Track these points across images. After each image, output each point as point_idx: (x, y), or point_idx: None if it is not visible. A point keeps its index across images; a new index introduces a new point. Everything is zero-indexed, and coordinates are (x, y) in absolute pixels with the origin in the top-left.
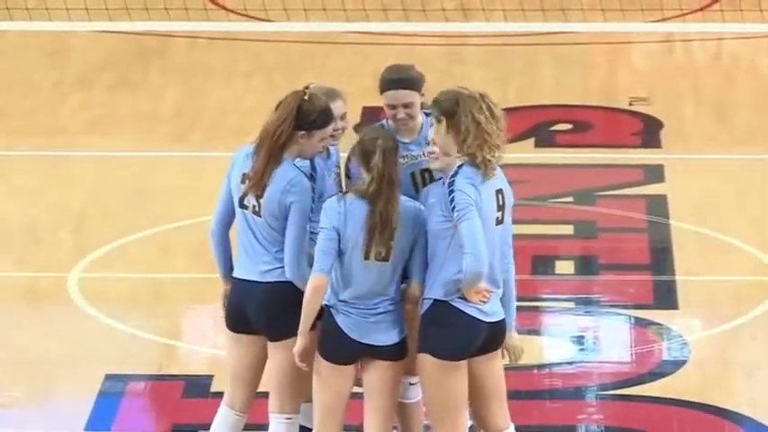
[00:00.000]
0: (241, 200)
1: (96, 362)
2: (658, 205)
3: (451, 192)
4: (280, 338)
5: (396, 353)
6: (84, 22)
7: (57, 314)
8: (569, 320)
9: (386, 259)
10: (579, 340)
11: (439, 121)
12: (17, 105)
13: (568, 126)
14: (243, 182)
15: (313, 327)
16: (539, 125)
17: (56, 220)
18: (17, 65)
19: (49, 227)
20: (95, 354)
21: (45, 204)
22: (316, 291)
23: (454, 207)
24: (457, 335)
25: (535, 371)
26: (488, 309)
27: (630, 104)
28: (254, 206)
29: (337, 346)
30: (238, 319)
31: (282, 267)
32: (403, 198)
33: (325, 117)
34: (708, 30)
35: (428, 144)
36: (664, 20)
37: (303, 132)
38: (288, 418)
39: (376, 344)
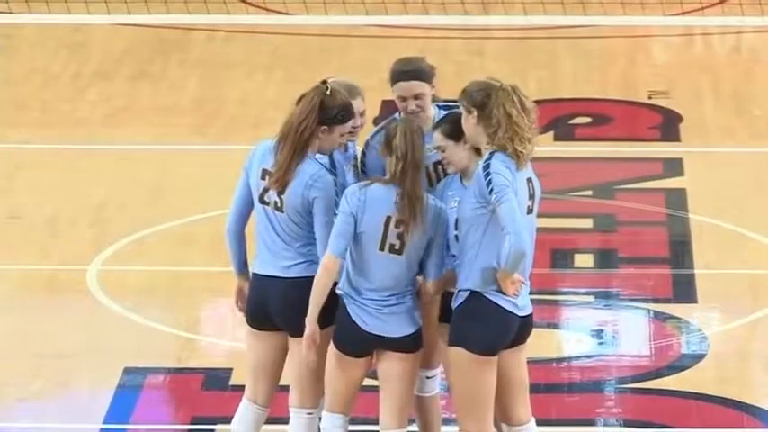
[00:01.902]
0: (261, 196)
1: (115, 354)
2: (677, 199)
3: (488, 174)
4: (300, 334)
5: (410, 345)
6: (102, 15)
7: (76, 307)
8: (588, 314)
9: (399, 252)
10: (598, 334)
11: (469, 112)
12: (36, 97)
13: (588, 119)
14: (263, 178)
15: (332, 322)
16: (558, 119)
17: (75, 213)
18: (36, 57)
19: (69, 220)
20: (114, 346)
21: (64, 197)
22: (327, 270)
23: (491, 190)
24: (492, 328)
25: (554, 364)
26: (520, 302)
27: (650, 98)
28: (275, 202)
29: (351, 338)
30: (259, 315)
31: (304, 263)
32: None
33: (346, 112)
34: (727, 23)
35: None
36: (683, 13)
37: (324, 127)
38: (308, 413)
39: (389, 335)
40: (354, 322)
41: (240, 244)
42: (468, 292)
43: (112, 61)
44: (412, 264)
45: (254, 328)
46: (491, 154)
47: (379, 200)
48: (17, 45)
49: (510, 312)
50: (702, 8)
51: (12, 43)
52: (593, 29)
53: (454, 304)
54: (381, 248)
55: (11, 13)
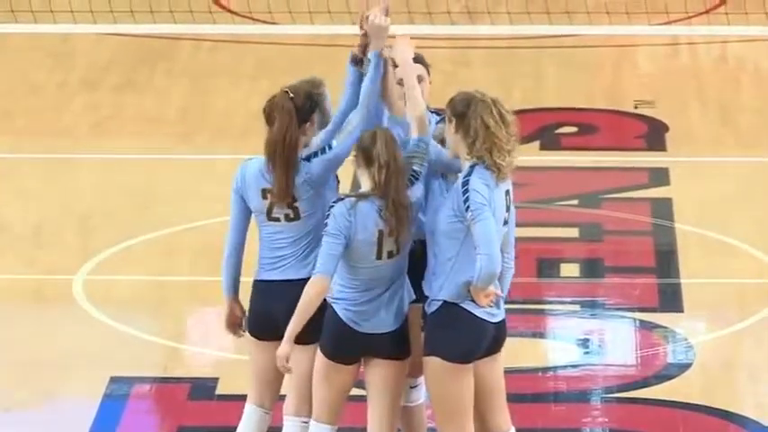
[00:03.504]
0: (269, 214)
1: (101, 364)
2: (663, 208)
3: (466, 191)
4: (304, 341)
5: (397, 349)
6: (88, 24)
7: (62, 316)
8: (574, 323)
9: (398, 253)
10: (584, 343)
11: (450, 121)
12: (22, 107)
13: (573, 129)
14: (265, 197)
15: (316, 339)
16: (544, 128)
17: (61, 223)
18: (22, 66)
19: (54, 229)
20: (100, 356)
21: (50, 206)
22: (318, 294)
23: (468, 207)
24: (466, 337)
25: (540, 374)
26: (493, 309)
27: (636, 107)
28: (286, 215)
29: (340, 343)
30: (263, 324)
31: (311, 266)
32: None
33: (314, 99)
34: (713, 32)
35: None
36: (669, 23)
37: (308, 123)
38: (304, 422)
39: (377, 332)
40: (347, 326)
41: (238, 269)
42: (442, 301)
43: (98, 71)
44: (406, 258)
45: (256, 337)
46: (471, 168)
47: (367, 216)
48: (3, 54)
49: (484, 320)
50: (688, 17)
51: None
52: (579, 38)
53: (427, 312)
54: (379, 257)
55: None
